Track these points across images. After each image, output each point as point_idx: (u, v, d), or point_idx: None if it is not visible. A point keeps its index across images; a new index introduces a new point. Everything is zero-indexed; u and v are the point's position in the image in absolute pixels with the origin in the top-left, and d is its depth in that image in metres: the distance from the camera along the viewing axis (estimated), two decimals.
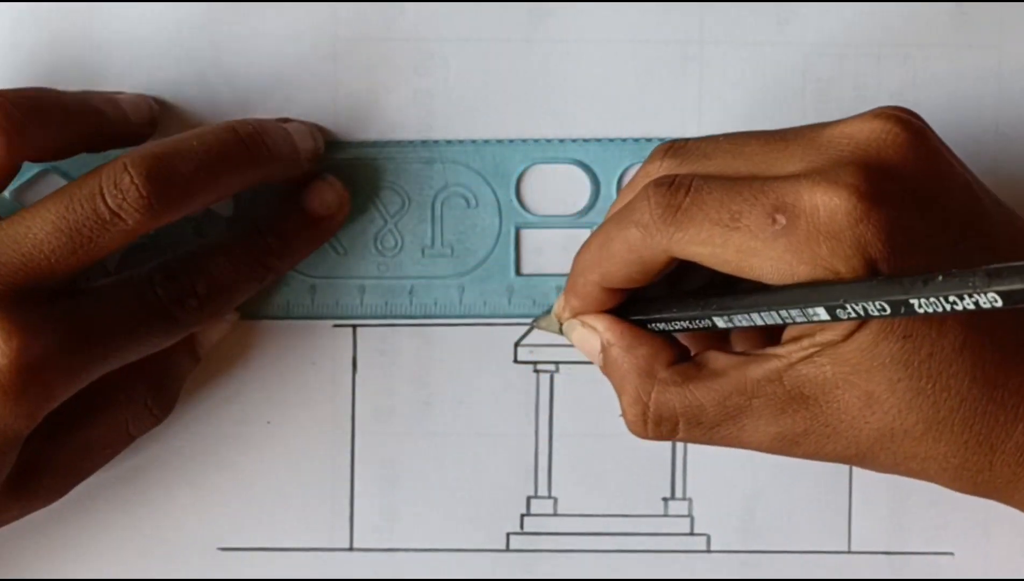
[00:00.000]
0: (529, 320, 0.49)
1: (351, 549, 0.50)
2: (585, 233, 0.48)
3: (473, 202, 0.49)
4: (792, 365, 0.41)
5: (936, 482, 0.42)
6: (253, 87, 0.49)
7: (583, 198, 0.49)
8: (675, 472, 0.50)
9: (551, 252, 0.49)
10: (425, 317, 0.49)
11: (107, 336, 0.43)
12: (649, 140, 0.49)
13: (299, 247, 0.48)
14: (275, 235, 0.47)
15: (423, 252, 0.49)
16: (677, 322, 0.44)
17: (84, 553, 0.49)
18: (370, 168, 0.49)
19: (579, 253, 0.44)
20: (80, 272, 0.43)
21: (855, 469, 0.49)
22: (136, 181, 0.43)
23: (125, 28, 0.48)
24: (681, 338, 0.45)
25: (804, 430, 0.42)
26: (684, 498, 0.50)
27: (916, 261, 0.39)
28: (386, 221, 0.49)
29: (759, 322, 0.41)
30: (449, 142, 0.49)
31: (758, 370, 0.42)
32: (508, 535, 0.50)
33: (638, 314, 0.45)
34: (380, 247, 0.49)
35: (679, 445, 0.50)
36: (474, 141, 0.49)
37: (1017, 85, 0.49)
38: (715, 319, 0.42)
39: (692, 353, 0.44)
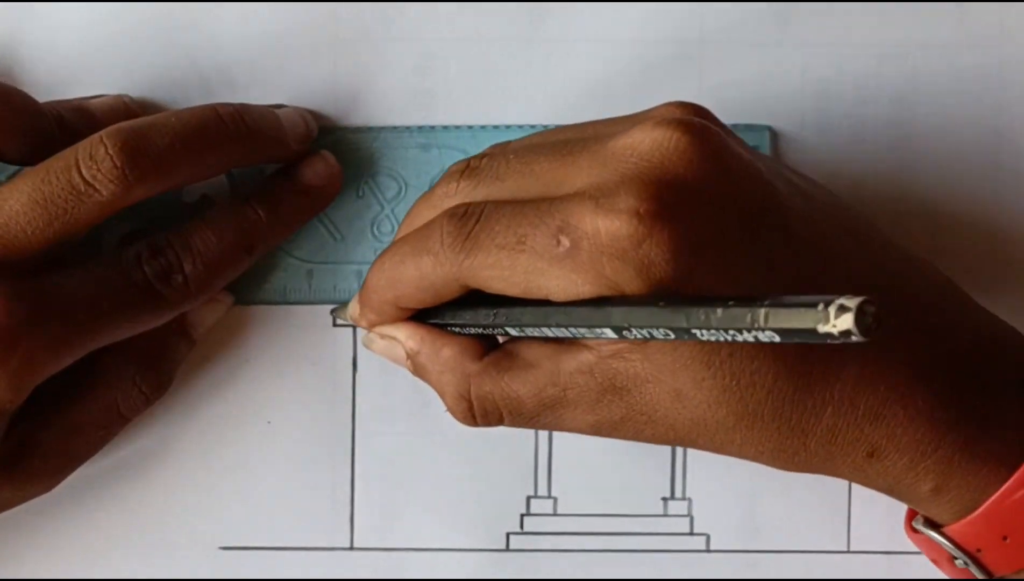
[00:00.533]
0: None
1: (351, 548, 0.50)
2: None
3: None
4: (603, 359, 0.41)
5: (757, 462, 0.42)
6: (253, 87, 0.49)
7: None
8: (674, 472, 0.50)
9: None
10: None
11: (90, 310, 0.43)
12: None
13: (288, 219, 0.48)
14: (263, 206, 0.47)
15: None
16: (469, 328, 0.44)
17: (84, 553, 0.49)
18: (367, 153, 0.49)
19: (373, 268, 0.44)
20: (57, 246, 0.43)
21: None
22: (111, 152, 0.43)
23: (125, 28, 0.48)
24: None
25: (621, 417, 0.42)
26: (683, 498, 0.50)
27: (708, 267, 0.39)
28: (383, 206, 0.49)
29: (551, 334, 0.41)
30: (446, 128, 0.49)
31: (571, 362, 0.42)
32: (508, 535, 0.50)
33: (433, 318, 0.44)
34: (377, 232, 0.49)
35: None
36: (471, 127, 0.49)
37: (1017, 85, 0.49)
38: (508, 329, 0.42)
39: (500, 340, 0.44)
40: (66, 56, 0.48)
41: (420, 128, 0.49)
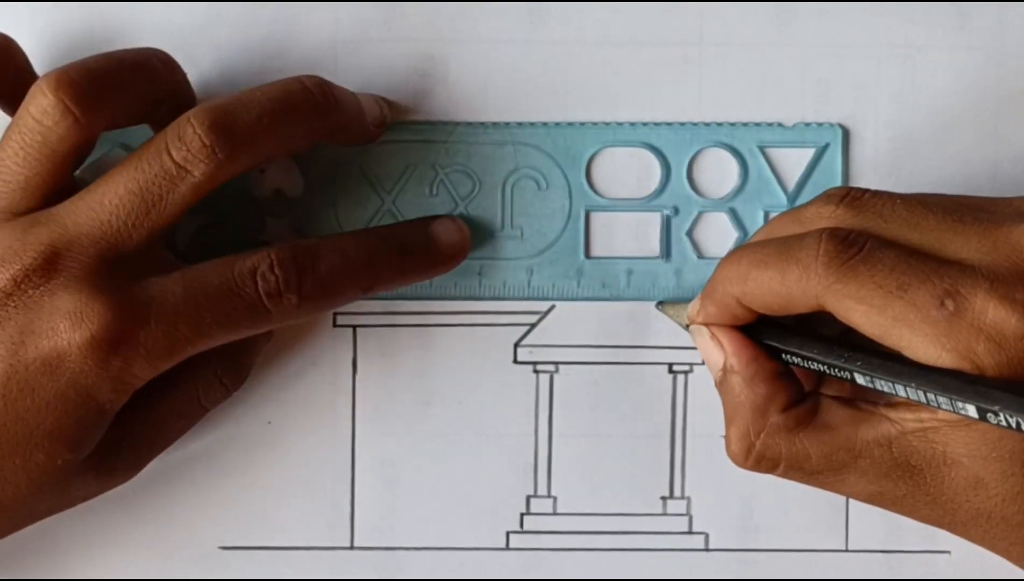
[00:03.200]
0: (598, 302, 0.49)
1: (351, 548, 0.50)
2: (654, 216, 0.49)
3: (544, 184, 0.49)
4: (904, 434, 0.42)
5: (1016, 564, 0.43)
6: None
7: (653, 182, 0.49)
8: (673, 471, 0.50)
9: (620, 235, 0.49)
10: (494, 298, 0.49)
11: (194, 319, 0.43)
12: (720, 124, 0.49)
13: (413, 269, 0.47)
14: (397, 249, 0.47)
15: (493, 234, 0.49)
16: (813, 363, 0.44)
17: (84, 553, 0.49)
18: (440, 148, 0.49)
19: (727, 261, 0.44)
20: (157, 237, 0.43)
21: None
22: (199, 131, 0.43)
23: (125, 30, 0.48)
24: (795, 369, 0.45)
25: (904, 494, 0.43)
26: (682, 497, 0.50)
27: None
28: (456, 203, 0.49)
29: (901, 394, 0.42)
30: (520, 124, 0.49)
31: (869, 432, 0.43)
32: (508, 534, 0.50)
33: (772, 339, 0.45)
34: None
35: (677, 445, 0.50)
36: (545, 124, 0.49)
37: (1017, 86, 0.49)
38: (856, 375, 0.43)
39: (805, 389, 0.45)
40: (67, 56, 0.48)
41: (495, 124, 0.49)
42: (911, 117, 0.49)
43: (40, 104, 0.43)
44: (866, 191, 0.43)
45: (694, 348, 0.49)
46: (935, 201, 0.43)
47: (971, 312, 0.40)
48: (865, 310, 0.41)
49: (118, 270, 0.43)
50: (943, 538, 0.50)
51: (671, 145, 0.49)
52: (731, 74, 0.49)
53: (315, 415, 0.49)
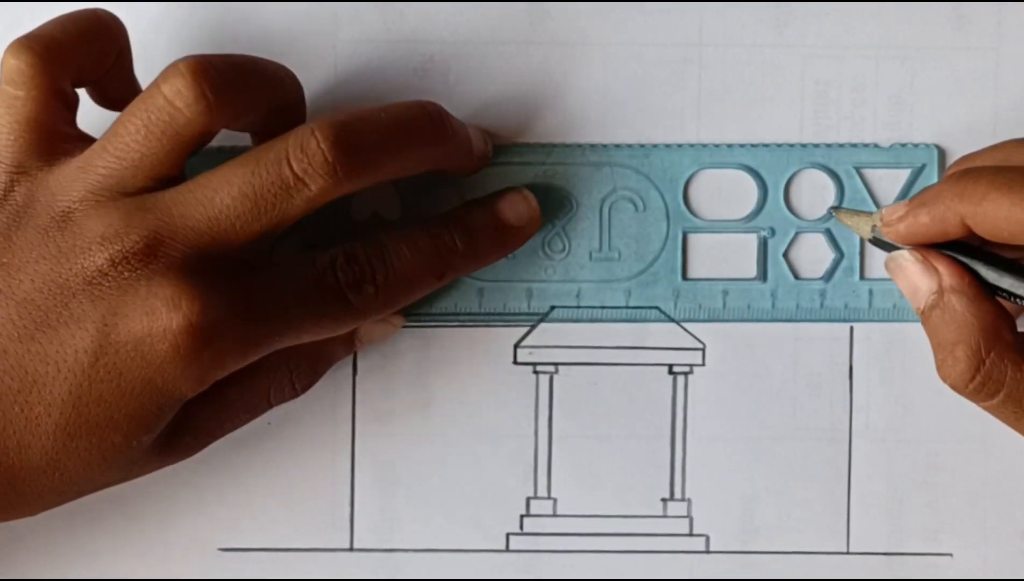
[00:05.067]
0: (689, 324, 0.49)
1: (351, 549, 0.50)
2: (751, 238, 0.49)
3: (641, 206, 0.49)
4: None
5: None
6: None
7: (750, 203, 0.49)
8: (674, 473, 0.50)
9: (717, 256, 0.49)
10: (591, 321, 0.49)
11: (282, 313, 0.43)
12: (817, 146, 0.49)
13: (482, 252, 0.47)
14: (461, 236, 0.47)
15: (591, 256, 0.49)
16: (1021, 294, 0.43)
17: (84, 553, 0.49)
18: (538, 170, 0.49)
19: (961, 177, 0.43)
20: (260, 240, 0.43)
21: (854, 470, 0.49)
22: (323, 146, 0.43)
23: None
24: None
25: None
26: (683, 499, 0.50)
27: None
28: (554, 225, 0.49)
29: None
30: (618, 146, 0.49)
31: None
32: (508, 535, 0.50)
33: (981, 265, 0.44)
34: (548, 251, 0.49)
35: (678, 446, 0.50)
36: (643, 145, 0.49)
37: (1015, 87, 0.49)
38: None
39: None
40: None
41: (592, 146, 0.49)
42: (910, 118, 0.49)
43: (175, 85, 0.43)
44: None
45: (694, 349, 0.49)
46: None
47: None
48: None
49: (216, 263, 0.43)
50: (945, 540, 0.50)
51: (768, 166, 0.49)
52: (730, 75, 0.49)
53: (315, 416, 0.49)
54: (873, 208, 0.49)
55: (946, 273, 0.44)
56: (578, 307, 0.49)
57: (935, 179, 0.49)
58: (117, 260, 0.42)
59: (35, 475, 0.43)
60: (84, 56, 0.45)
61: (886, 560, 0.50)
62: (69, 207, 0.43)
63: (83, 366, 0.42)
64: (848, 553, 0.50)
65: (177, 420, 0.44)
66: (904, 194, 0.49)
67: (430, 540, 0.50)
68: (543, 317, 0.49)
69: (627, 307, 0.49)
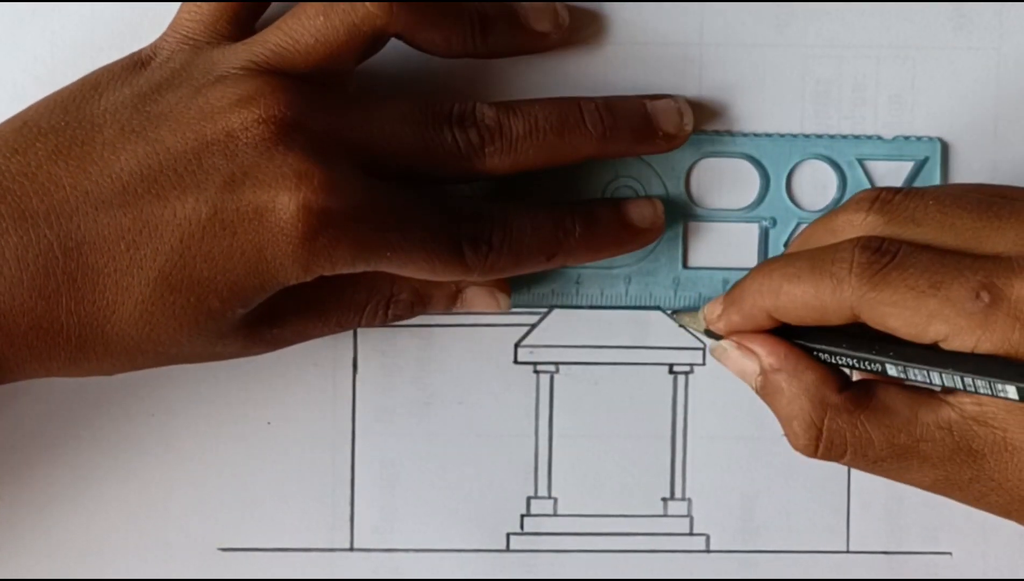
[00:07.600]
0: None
1: (351, 549, 0.50)
2: (752, 227, 0.49)
3: (643, 193, 0.49)
4: (964, 419, 0.42)
5: None
6: None
7: (752, 193, 0.49)
8: (674, 472, 0.50)
9: (718, 246, 0.49)
10: (591, 307, 0.49)
11: (401, 232, 0.43)
12: (820, 136, 0.49)
13: (597, 246, 0.47)
14: (582, 224, 0.47)
15: None
16: (844, 358, 0.44)
17: (84, 553, 0.49)
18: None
19: (757, 274, 0.44)
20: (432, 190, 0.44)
21: (853, 469, 0.49)
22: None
23: (127, 31, 0.48)
24: None
25: (968, 479, 0.43)
26: (683, 498, 0.50)
27: None
28: None
29: (936, 381, 0.42)
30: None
31: (929, 414, 0.42)
32: (508, 535, 0.50)
33: (800, 339, 0.44)
34: None
35: (678, 446, 0.50)
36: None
37: (1015, 87, 0.49)
38: (888, 367, 0.43)
39: (852, 379, 0.45)
40: (67, 57, 0.48)
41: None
42: (910, 118, 0.49)
43: None
44: (897, 192, 0.43)
45: (694, 348, 0.49)
46: (970, 196, 0.43)
47: (1007, 302, 0.40)
48: (899, 313, 0.41)
49: (357, 166, 0.43)
50: (944, 539, 0.50)
51: (770, 156, 0.49)
52: (731, 74, 0.49)
53: (315, 415, 0.49)
54: None
55: (763, 354, 0.44)
56: (577, 294, 0.49)
57: (936, 174, 0.49)
58: (260, 120, 0.42)
59: (126, 325, 0.42)
60: (425, 38, 0.45)
61: (886, 559, 0.50)
62: (227, 72, 0.43)
63: (200, 217, 0.42)
64: (848, 552, 0.50)
65: (271, 307, 0.44)
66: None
67: (430, 540, 0.50)
68: (544, 316, 0.49)
69: (626, 300, 0.49)
